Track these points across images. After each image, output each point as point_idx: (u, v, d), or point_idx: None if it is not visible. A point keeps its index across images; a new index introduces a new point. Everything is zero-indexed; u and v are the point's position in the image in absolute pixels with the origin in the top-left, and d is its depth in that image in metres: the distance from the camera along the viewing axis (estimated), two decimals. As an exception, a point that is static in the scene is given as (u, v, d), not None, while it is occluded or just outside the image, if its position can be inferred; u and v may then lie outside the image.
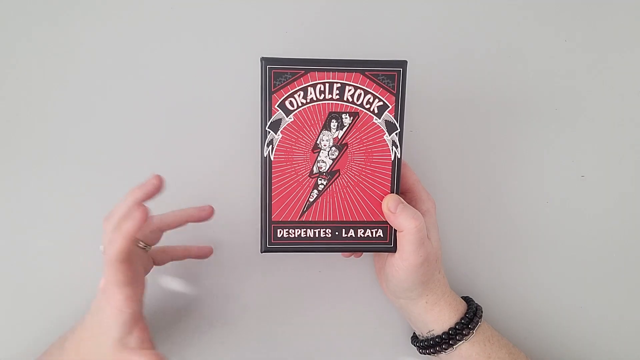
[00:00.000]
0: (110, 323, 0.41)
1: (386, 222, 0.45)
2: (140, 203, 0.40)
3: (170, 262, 0.51)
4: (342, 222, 0.45)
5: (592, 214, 0.56)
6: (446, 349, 0.47)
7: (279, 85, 0.42)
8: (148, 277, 0.52)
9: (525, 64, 0.56)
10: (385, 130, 0.43)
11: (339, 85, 0.42)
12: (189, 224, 0.48)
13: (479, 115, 0.55)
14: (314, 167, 0.44)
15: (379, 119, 0.43)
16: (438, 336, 0.47)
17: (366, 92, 0.43)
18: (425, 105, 0.55)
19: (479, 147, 0.56)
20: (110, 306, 0.40)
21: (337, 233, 0.45)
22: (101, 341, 0.41)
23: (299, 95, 0.42)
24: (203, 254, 0.51)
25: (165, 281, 0.53)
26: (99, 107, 0.53)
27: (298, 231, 0.44)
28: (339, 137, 0.43)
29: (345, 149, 0.44)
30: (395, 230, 0.45)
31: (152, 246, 0.47)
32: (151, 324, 0.52)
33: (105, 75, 0.53)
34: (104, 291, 0.41)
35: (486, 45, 0.56)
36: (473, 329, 0.47)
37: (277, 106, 0.42)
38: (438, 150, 0.56)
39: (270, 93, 0.42)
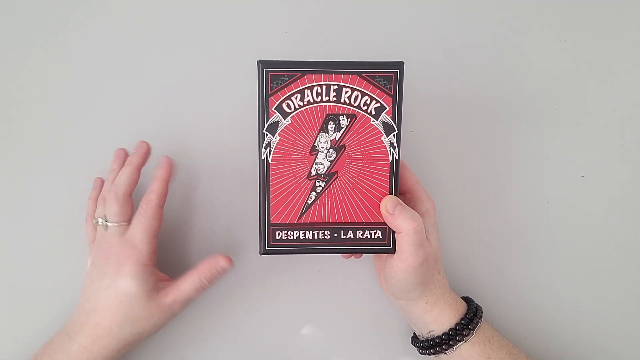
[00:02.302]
0: (135, 280, 0.45)
1: (385, 224, 0.45)
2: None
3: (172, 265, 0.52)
4: (340, 223, 0.45)
5: (592, 214, 0.56)
6: (446, 350, 0.47)
7: (276, 87, 0.42)
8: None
9: (525, 64, 0.55)
10: (382, 131, 0.43)
11: (336, 87, 0.42)
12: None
13: (479, 115, 0.55)
14: (312, 169, 0.44)
15: (377, 120, 0.43)
16: (438, 337, 0.47)
17: (363, 94, 0.43)
18: (425, 105, 0.55)
19: (478, 147, 0.56)
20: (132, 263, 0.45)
21: (335, 235, 0.45)
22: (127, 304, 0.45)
23: (296, 98, 0.42)
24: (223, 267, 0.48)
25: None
26: (98, 108, 0.53)
27: (297, 233, 0.45)
28: (337, 139, 0.43)
29: (343, 151, 0.44)
30: (393, 232, 0.45)
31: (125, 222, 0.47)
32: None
33: (104, 77, 0.53)
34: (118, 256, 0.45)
35: (486, 45, 0.55)
36: (473, 329, 0.47)
37: (275, 109, 0.43)
38: (438, 150, 0.56)
39: (267, 96, 0.42)
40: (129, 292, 0.44)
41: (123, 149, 0.52)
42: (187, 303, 0.48)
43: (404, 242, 0.43)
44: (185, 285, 0.47)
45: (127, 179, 0.48)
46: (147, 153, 0.51)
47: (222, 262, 0.47)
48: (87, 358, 0.45)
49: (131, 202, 0.48)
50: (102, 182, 0.52)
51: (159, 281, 0.47)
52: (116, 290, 0.45)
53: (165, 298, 0.46)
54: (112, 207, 0.47)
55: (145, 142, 0.52)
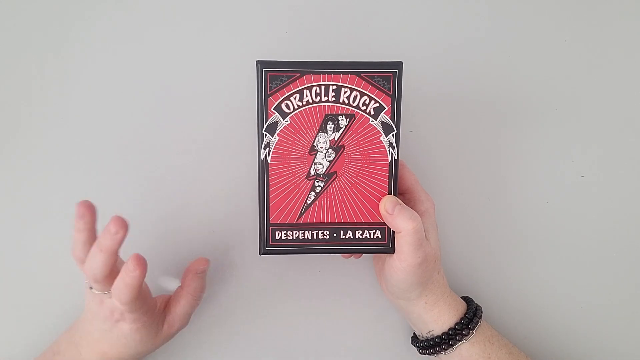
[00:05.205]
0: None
1: (384, 224, 0.45)
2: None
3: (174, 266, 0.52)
4: (340, 223, 0.45)
5: (591, 214, 0.56)
6: (446, 350, 0.47)
7: (274, 88, 0.42)
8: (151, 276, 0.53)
9: (525, 64, 0.55)
10: (381, 131, 0.44)
11: (334, 87, 0.42)
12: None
13: (478, 115, 0.55)
14: (311, 169, 0.44)
15: (375, 120, 0.43)
16: (438, 336, 0.47)
17: (362, 94, 0.43)
18: (425, 105, 0.55)
19: (478, 147, 0.56)
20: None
21: (335, 235, 0.45)
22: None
23: (295, 98, 0.43)
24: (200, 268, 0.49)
25: (165, 283, 0.53)
26: (97, 109, 0.53)
27: (296, 233, 0.45)
28: (336, 139, 0.43)
29: (342, 151, 0.44)
30: (393, 232, 0.45)
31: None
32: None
33: (103, 77, 0.53)
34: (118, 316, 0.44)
35: (485, 44, 0.55)
36: (473, 329, 0.47)
37: (274, 109, 0.43)
38: (438, 150, 0.56)
39: (267, 96, 0.42)
40: (134, 338, 0.45)
41: (85, 204, 0.41)
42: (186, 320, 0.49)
43: (403, 242, 0.43)
44: (180, 308, 0.48)
45: (102, 266, 0.41)
46: (123, 237, 0.40)
47: (200, 267, 0.48)
48: None
49: (114, 275, 0.42)
50: (90, 218, 0.42)
51: (158, 314, 0.47)
52: (120, 334, 0.44)
53: (167, 329, 0.48)
54: (94, 285, 0.43)
55: (121, 221, 0.39)
